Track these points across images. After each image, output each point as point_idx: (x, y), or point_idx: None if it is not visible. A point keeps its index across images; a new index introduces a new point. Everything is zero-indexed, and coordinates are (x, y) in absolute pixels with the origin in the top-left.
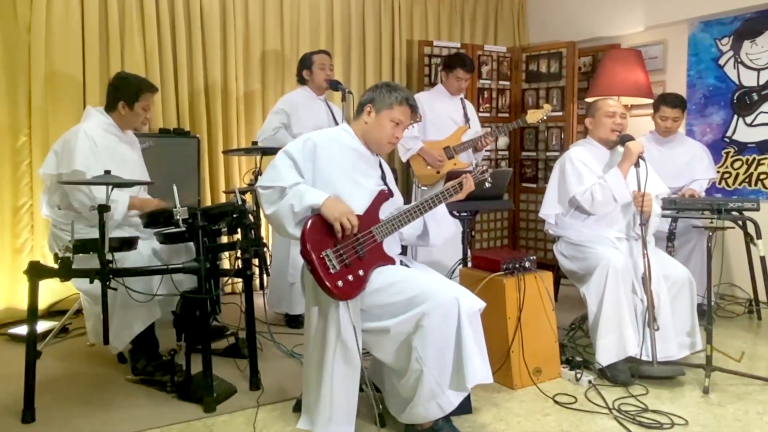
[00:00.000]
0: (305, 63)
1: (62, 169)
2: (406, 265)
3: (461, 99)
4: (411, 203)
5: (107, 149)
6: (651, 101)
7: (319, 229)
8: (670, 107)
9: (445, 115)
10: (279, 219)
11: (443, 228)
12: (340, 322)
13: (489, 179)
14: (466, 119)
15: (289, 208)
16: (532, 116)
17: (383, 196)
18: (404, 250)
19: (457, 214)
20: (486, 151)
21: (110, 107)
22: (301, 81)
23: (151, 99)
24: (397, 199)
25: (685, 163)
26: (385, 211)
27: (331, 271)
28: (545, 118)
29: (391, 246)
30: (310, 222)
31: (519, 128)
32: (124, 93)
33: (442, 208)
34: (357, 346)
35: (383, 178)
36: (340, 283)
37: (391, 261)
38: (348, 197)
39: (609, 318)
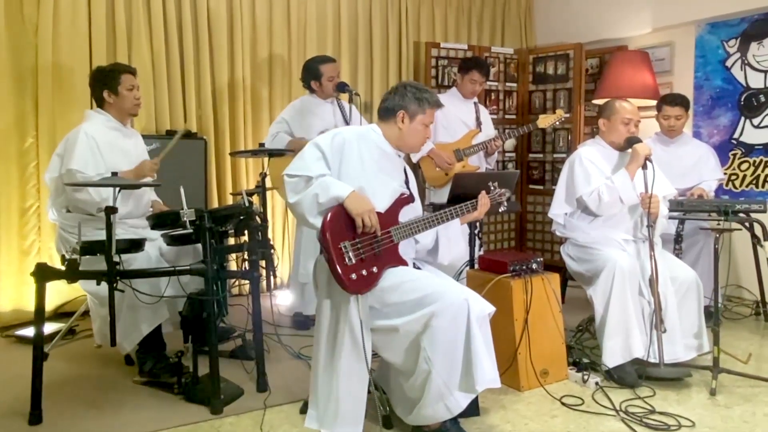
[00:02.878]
0: (313, 74)
1: (63, 169)
2: (418, 267)
3: (475, 103)
4: (425, 210)
5: (110, 145)
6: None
7: (341, 221)
8: (671, 105)
9: (456, 118)
10: (302, 208)
11: (453, 247)
12: (350, 317)
13: (505, 204)
14: (478, 123)
15: (313, 198)
16: (543, 121)
17: (405, 200)
18: None
19: None
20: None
21: (99, 102)
22: (309, 88)
23: (131, 79)
24: (417, 206)
25: (692, 164)
26: (405, 216)
27: (347, 262)
28: (557, 124)
29: (406, 250)
30: (332, 212)
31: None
32: (104, 81)
33: (455, 228)
34: (364, 343)
35: (407, 182)
36: (353, 275)
37: (404, 263)
38: (371, 194)
39: (616, 320)
